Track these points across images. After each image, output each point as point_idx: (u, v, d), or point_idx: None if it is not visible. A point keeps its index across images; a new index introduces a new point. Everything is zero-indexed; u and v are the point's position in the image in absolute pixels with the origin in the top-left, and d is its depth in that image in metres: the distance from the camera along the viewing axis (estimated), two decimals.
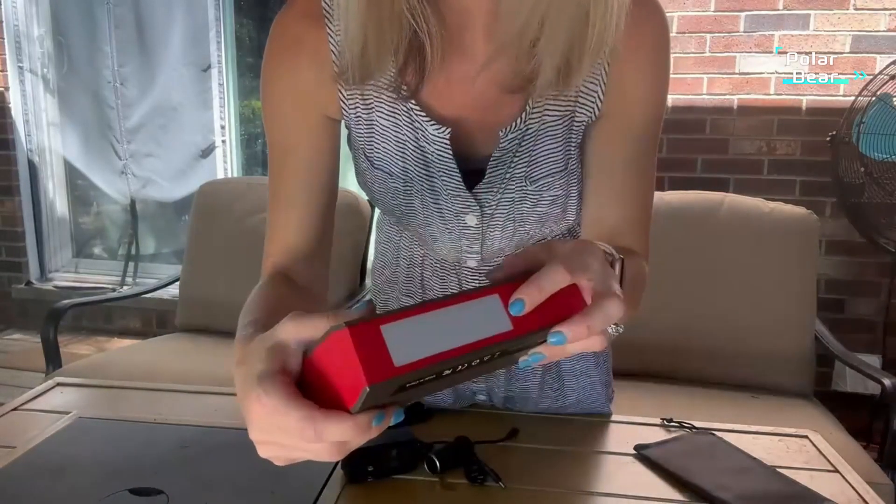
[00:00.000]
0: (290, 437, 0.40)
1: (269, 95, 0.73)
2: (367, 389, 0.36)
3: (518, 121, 0.70)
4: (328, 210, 0.75)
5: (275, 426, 0.40)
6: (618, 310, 0.43)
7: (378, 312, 0.39)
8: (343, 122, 0.75)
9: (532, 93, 0.67)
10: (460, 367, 0.41)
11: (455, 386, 0.93)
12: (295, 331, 0.42)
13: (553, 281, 0.43)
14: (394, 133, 0.73)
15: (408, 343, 0.38)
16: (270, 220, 0.75)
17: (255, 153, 3.48)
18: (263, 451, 0.43)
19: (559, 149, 0.73)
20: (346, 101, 0.72)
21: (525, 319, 0.42)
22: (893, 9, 2.42)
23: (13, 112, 3.44)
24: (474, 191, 0.74)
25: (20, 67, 3.44)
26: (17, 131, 3.46)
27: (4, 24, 3.37)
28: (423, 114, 0.69)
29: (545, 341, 0.44)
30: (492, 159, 0.72)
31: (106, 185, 3.53)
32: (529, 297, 0.42)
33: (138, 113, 3.38)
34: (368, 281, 2.37)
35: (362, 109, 0.73)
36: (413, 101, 0.69)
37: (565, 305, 0.44)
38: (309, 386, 0.41)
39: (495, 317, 0.42)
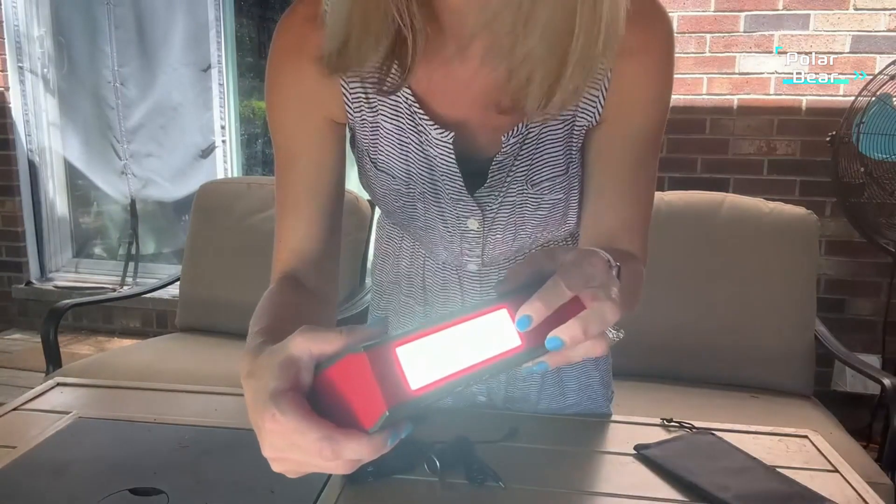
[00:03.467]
0: (306, 455, 0.40)
1: (274, 100, 0.72)
2: (387, 413, 0.37)
3: (520, 125, 0.69)
4: (336, 213, 0.75)
5: (290, 444, 0.41)
6: (613, 313, 0.44)
7: (391, 334, 0.40)
8: (347, 124, 0.75)
9: (526, 111, 0.65)
10: (471, 382, 0.42)
11: None
12: (307, 345, 0.42)
13: (556, 296, 0.44)
14: (397, 136, 0.72)
15: (423, 364, 0.39)
16: (278, 225, 0.74)
17: (255, 153, 3.48)
18: (277, 467, 0.44)
19: (560, 152, 0.72)
20: (350, 104, 0.72)
21: (531, 333, 0.44)
22: (893, 9, 2.42)
23: (13, 112, 3.44)
24: (476, 195, 0.74)
25: (20, 67, 3.44)
26: (18, 131, 3.46)
27: (4, 24, 3.37)
28: (426, 117, 0.69)
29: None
30: (494, 163, 0.72)
31: (106, 185, 3.53)
32: (535, 312, 0.43)
33: (138, 113, 3.38)
34: (368, 280, 2.36)
35: (367, 112, 0.72)
36: (417, 105, 0.69)
37: (569, 315, 0.45)
38: (320, 401, 0.41)
39: (504, 332, 0.44)
